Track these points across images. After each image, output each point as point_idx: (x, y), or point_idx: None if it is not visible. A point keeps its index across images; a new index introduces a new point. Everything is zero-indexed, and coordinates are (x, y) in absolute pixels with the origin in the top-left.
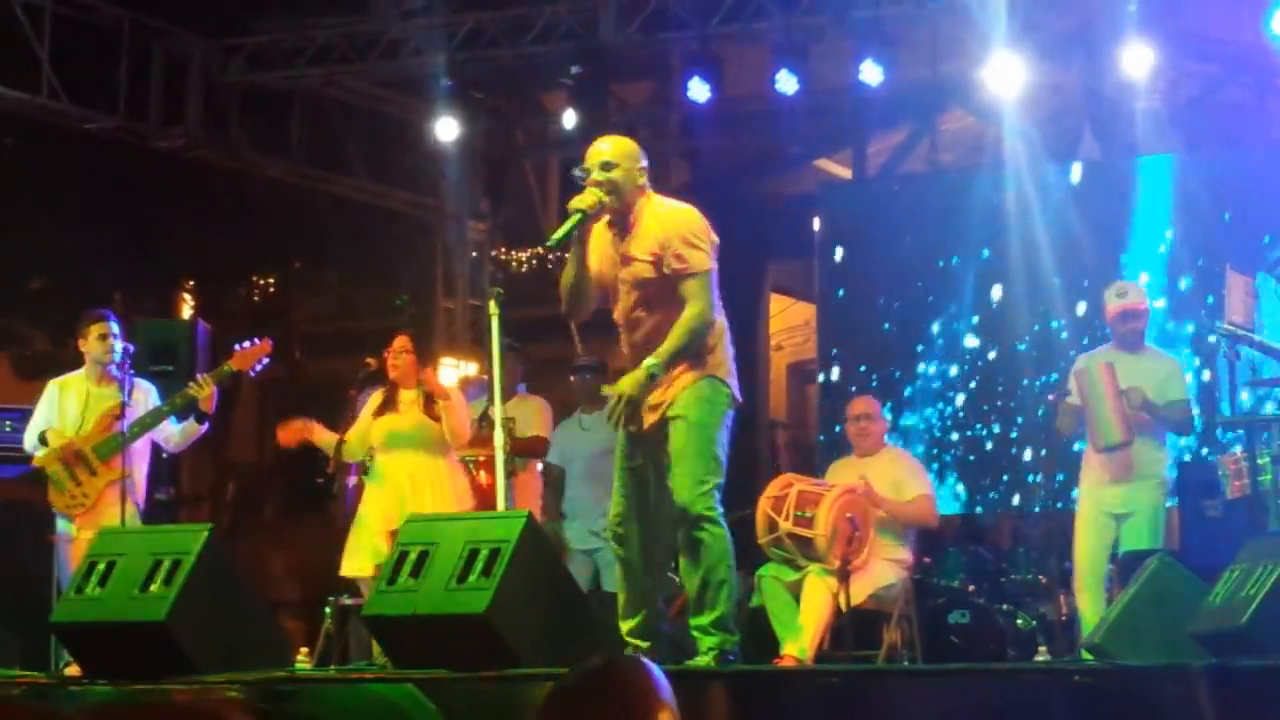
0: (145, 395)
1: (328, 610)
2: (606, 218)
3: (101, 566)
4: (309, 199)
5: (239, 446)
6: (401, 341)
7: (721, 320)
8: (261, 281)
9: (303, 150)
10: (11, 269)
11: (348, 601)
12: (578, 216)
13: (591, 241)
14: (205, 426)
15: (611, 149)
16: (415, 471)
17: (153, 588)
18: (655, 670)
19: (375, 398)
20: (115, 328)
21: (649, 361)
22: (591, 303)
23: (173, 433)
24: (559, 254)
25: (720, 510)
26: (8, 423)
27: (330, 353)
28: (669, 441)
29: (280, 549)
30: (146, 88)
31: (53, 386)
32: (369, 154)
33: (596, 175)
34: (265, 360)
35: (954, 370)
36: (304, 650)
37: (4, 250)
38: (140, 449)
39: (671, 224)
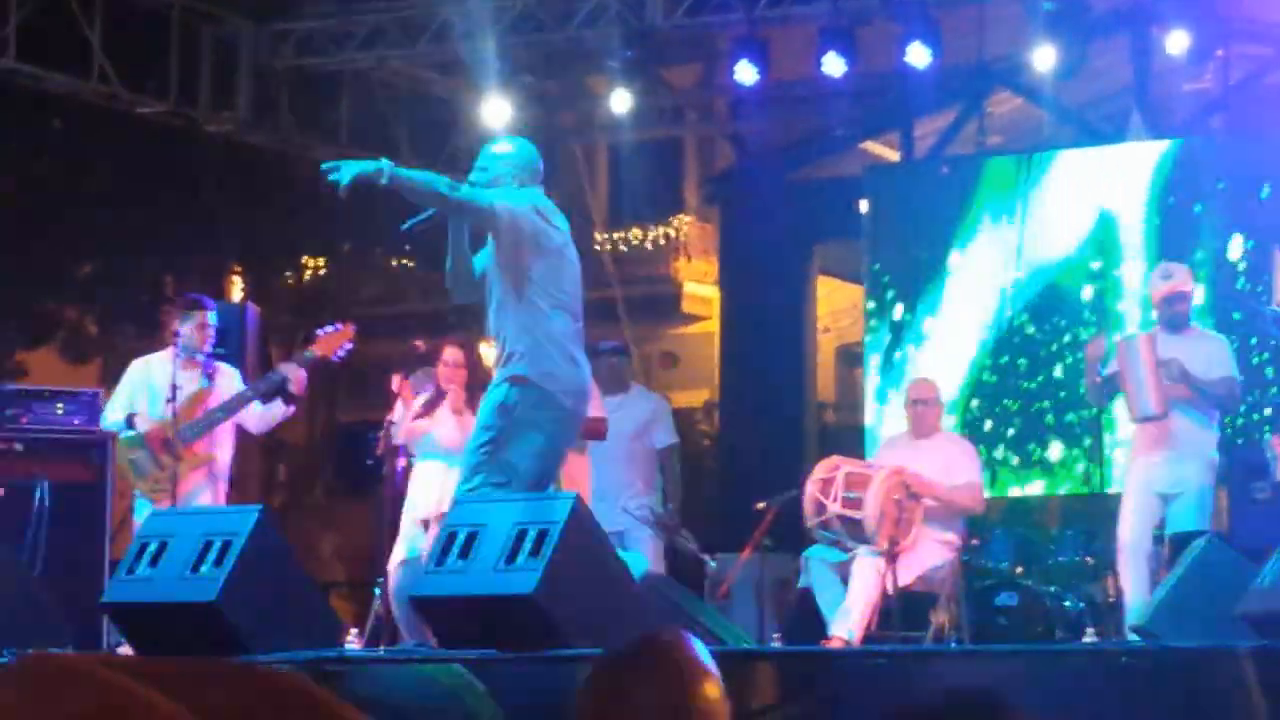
0: (229, 379)
1: (377, 591)
2: None
3: (153, 547)
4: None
5: (289, 429)
6: (454, 354)
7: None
8: (311, 264)
9: (351, 134)
10: (61, 254)
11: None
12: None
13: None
14: (291, 409)
15: (486, 150)
16: (445, 485)
17: (203, 568)
18: (696, 642)
19: (424, 397)
20: (214, 318)
21: None
22: (470, 288)
23: (258, 415)
24: (609, 239)
25: None
26: (59, 405)
27: (379, 335)
28: None
29: (329, 530)
30: (197, 72)
31: (138, 366)
32: (417, 137)
33: (473, 175)
34: (349, 345)
35: (1003, 351)
36: (353, 631)
37: (54, 235)
38: (225, 432)
39: None
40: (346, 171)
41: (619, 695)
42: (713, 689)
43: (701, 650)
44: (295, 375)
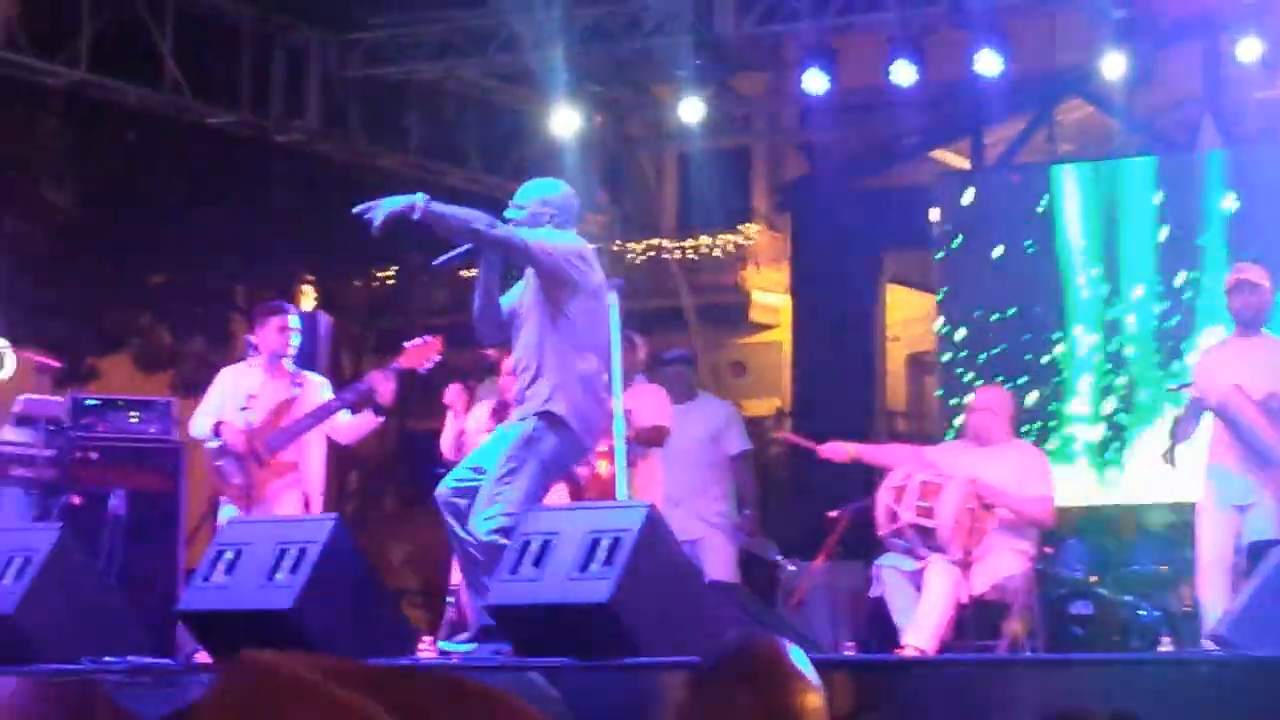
0: (318, 389)
1: (450, 599)
2: None
3: (229, 554)
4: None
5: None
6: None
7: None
8: (380, 274)
9: (419, 143)
10: (134, 263)
11: None
12: (466, 246)
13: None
14: (379, 420)
15: (526, 189)
16: None
17: (279, 576)
18: (794, 650)
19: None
20: (295, 321)
21: None
22: (496, 328)
23: (348, 426)
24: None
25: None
26: (133, 414)
27: (449, 344)
28: None
29: (401, 539)
30: (268, 82)
31: (226, 374)
32: (485, 146)
33: (508, 212)
34: (436, 358)
35: (1077, 359)
36: (426, 639)
37: (127, 245)
38: (312, 442)
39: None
40: (380, 211)
41: (719, 704)
42: (813, 698)
43: (801, 659)
44: (383, 386)
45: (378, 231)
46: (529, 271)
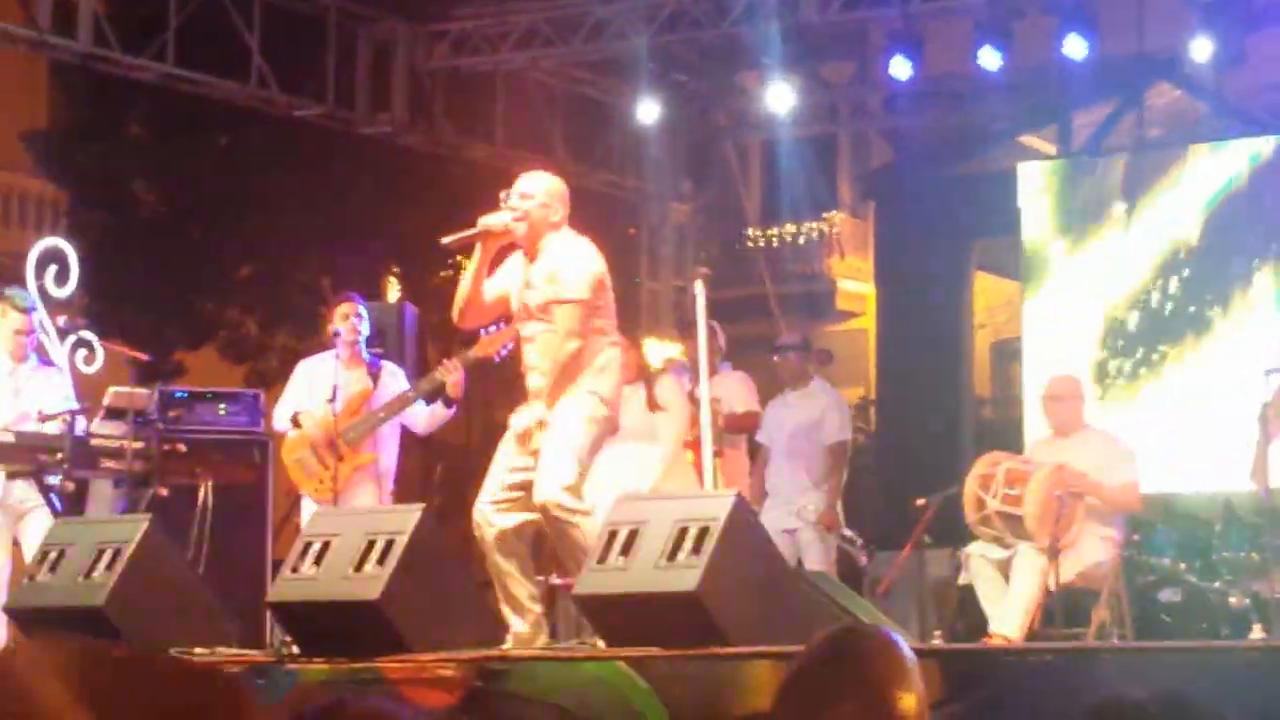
0: (393, 379)
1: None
2: (521, 251)
3: (316, 546)
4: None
5: (447, 428)
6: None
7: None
8: (465, 264)
9: (505, 133)
10: (222, 256)
11: (556, 581)
12: (476, 230)
13: (507, 265)
14: (452, 410)
15: (533, 182)
16: (641, 464)
17: (367, 567)
18: (899, 642)
19: None
20: (361, 309)
21: None
22: (481, 316)
23: (421, 416)
24: (762, 236)
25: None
26: (221, 406)
27: None
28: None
29: None
30: (353, 75)
31: (304, 366)
32: (571, 136)
33: (513, 201)
34: (510, 344)
35: (1163, 347)
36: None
37: (214, 238)
38: (389, 433)
39: (564, 255)
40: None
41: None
42: (914, 684)
43: (904, 650)
44: (453, 378)
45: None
46: (547, 271)
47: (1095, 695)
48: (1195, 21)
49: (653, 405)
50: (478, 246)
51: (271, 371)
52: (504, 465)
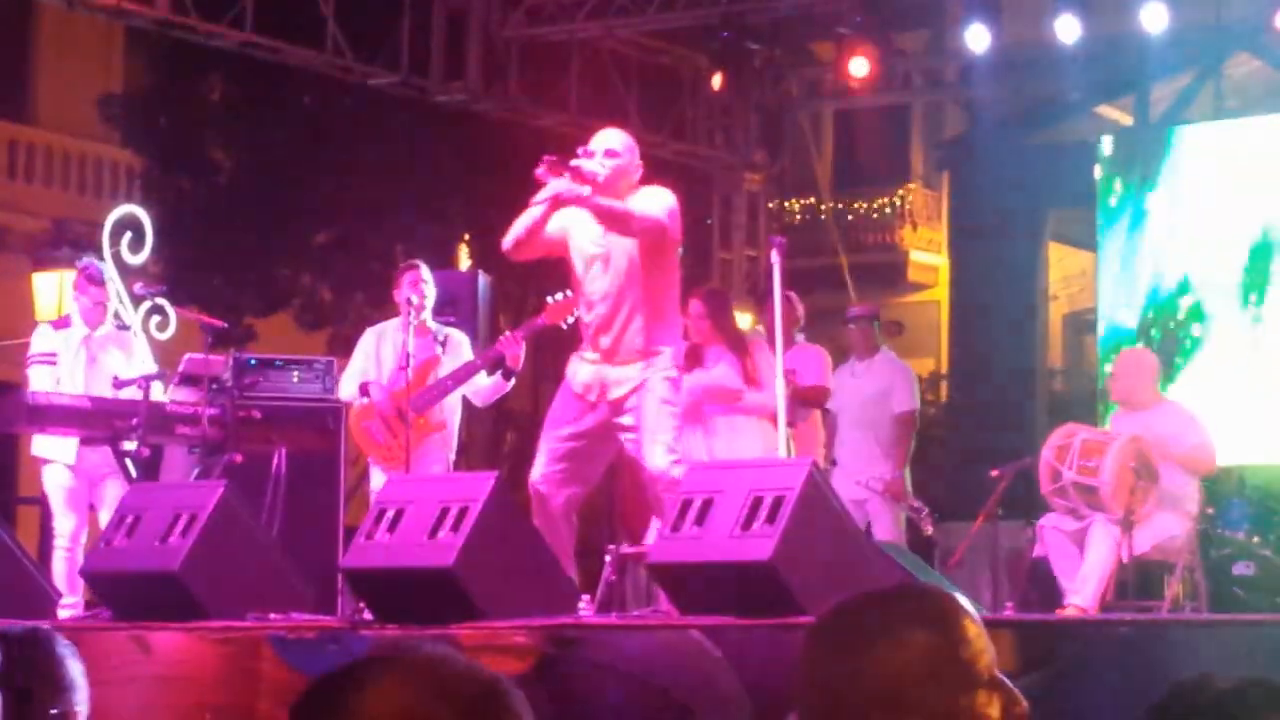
0: (460, 347)
1: (607, 558)
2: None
3: (390, 513)
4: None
5: (515, 397)
6: (695, 306)
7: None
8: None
9: (579, 102)
10: (297, 223)
11: (627, 549)
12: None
13: (577, 218)
14: (511, 382)
15: (618, 140)
16: (727, 428)
17: (440, 533)
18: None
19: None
20: (426, 274)
21: None
22: (535, 250)
23: (483, 386)
24: (834, 207)
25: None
26: (295, 373)
27: None
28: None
29: None
30: (428, 43)
31: (370, 334)
32: (644, 105)
33: (601, 159)
34: (576, 313)
35: (1240, 321)
36: (585, 597)
37: (289, 205)
38: (454, 402)
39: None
40: (548, 191)
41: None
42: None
43: (968, 604)
44: (511, 350)
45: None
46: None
47: (1168, 668)
48: None
49: (750, 378)
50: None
51: (346, 338)
52: None
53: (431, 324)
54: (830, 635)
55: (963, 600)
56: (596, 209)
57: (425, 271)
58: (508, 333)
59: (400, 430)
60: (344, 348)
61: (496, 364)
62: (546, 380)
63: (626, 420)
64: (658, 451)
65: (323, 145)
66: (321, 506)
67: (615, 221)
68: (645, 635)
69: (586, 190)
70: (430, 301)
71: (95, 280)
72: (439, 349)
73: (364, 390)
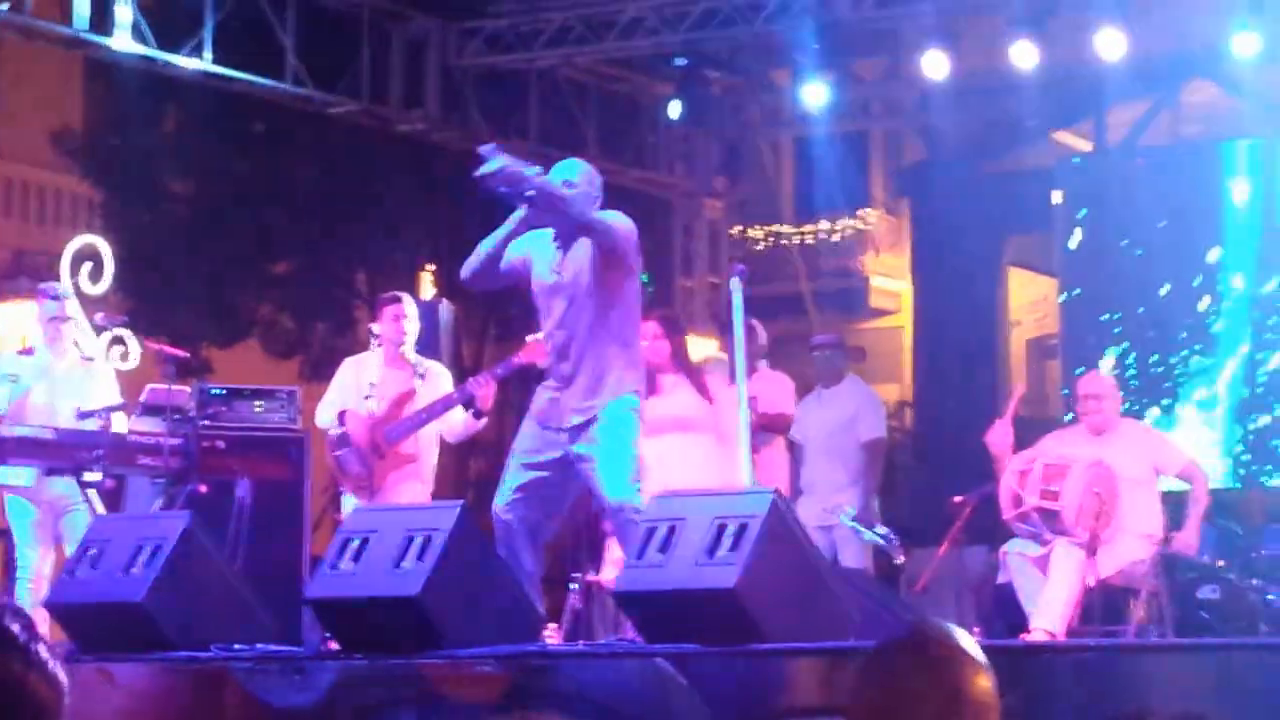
0: (439, 381)
1: (573, 586)
2: (553, 231)
3: (355, 542)
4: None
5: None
6: (651, 328)
7: None
8: None
9: (538, 130)
10: (257, 251)
11: (594, 577)
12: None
13: (536, 247)
14: (482, 421)
15: (576, 170)
16: (686, 454)
17: (405, 563)
18: (965, 634)
19: None
20: (410, 309)
21: None
22: (493, 281)
23: (456, 423)
24: (796, 233)
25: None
26: (258, 403)
27: None
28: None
29: None
30: (387, 72)
31: (349, 364)
32: (604, 133)
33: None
34: None
35: (1203, 347)
36: (551, 626)
37: (249, 234)
38: (431, 435)
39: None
40: (496, 162)
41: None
42: (985, 681)
43: (971, 643)
44: (481, 391)
45: (485, 179)
46: (580, 254)
47: (1133, 693)
48: (1239, 16)
49: (707, 396)
50: (514, 217)
51: (312, 366)
52: None
53: (411, 356)
54: (855, 690)
55: (968, 644)
56: (544, 190)
57: (409, 305)
58: (482, 373)
59: (373, 462)
60: (312, 376)
61: (467, 403)
62: (511, 410)
63: (586, 449)
64: (618, 482)
65: (282, 174)
66: (286, 536)
67: (559, 205)
68: (612, 663)
69: (535, 170)
70: (411, 335)
71: (52, 295)
72: (418, 381)
73: (341, 420)
